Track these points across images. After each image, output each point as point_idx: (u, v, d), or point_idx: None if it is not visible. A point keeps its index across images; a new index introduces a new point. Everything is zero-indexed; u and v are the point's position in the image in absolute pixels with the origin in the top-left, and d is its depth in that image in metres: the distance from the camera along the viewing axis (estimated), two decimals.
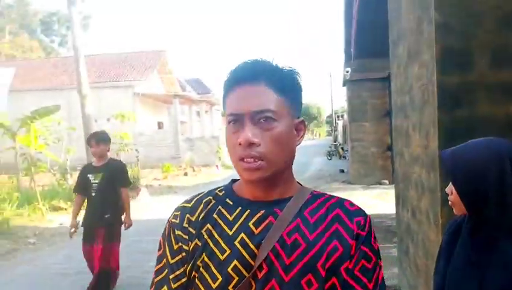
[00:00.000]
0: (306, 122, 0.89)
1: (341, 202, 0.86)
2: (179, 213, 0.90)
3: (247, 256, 0.80)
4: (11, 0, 38.62)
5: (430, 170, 2.51)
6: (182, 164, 20.01)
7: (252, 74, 0.84)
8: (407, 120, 3.15)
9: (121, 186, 3.92)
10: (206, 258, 0.83)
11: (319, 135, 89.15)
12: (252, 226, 0.82)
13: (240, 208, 0.85)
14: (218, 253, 0.82)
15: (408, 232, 3.30)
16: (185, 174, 17.85)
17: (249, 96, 0.82)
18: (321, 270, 0.78)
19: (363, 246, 0.81)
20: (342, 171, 15.71)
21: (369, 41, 9.99)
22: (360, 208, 0.86)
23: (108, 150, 3.88)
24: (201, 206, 0.89)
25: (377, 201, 9.05)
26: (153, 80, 24.29)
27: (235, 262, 0.80)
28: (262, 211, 0.83)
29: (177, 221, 0.89)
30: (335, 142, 32.93)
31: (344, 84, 12.48)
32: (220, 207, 0.87)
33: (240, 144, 0.80)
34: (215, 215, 0.86)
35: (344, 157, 23.07)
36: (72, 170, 14.08)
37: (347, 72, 11.28)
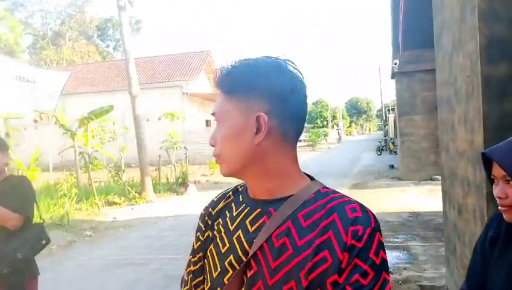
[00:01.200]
0: (266, 118, 0.78)
1: (343, 206, 0.77)
2: (206, 206, 0.95)
3: (240, 252, 0.80)
4: (71, 9, 41.22)
5: (476, 166, 2.37)
6: None
7: (216, 82, 0.84)
8: (452, 113, 3.00)
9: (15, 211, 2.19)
10: (212, 249, 0.87)
11: (369, 129, 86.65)
12: (248, 224, 0.82)
13: (244, 205, 0.86)
14: (220, 245, 0.85)
15: (455, 231, 3.14)
16: None
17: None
18: (303, 281, 0.73)
19: (358, 259, 0.72)
20: (392, 166, 15.17)
21: (417, 31, 9.54)
22: (364, 215, 0.75)
23: (6, 163, 2.35)
24: (222, 200, 0.92)
25: (428, 198, 8.67)
26: (200, 79, 24.90)
27: (231, 257, 0.82)
28: (259, 210, 0.82)
29: (203, 212, 0.94)
30: (385, 136, 31.81)
31: (393, 77, 12.02)
32: (233, 203, 0.89)
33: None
34: (227, 211, 0.89)
35: (395, 152, 22.24)
36: (127, 167, 14.89)
37: (395, 64, 10.85)
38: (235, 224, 0.84)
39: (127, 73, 10.42)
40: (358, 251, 0.72)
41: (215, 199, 0.95)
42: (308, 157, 23.31)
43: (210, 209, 0.93)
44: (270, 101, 0.78)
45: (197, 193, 11.61)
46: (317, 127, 45.33)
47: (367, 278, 0.71)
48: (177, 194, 11.43)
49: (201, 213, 0.95)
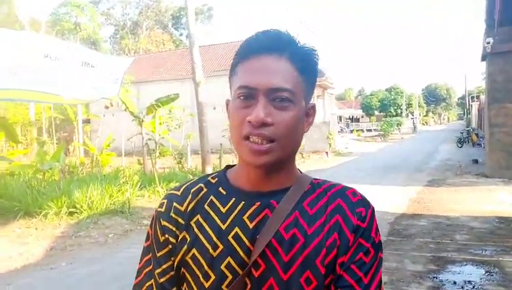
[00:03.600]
0: (315, 108, 0.81)
1: (343, 191, 0.78)
2: (165, 202, 0.82)
3: (241, 252, 0.74)
4: None
5: None
6: None
7: (276, 44, 0.74)
8: None
9: None
10: (197, 254, 0.76)
11: (448, 119, 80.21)
12: (246, 219, 0.76)
13: (234, 198, 0.78)
14: (210, 249, 0.76)
15: None
16: None
17: (268, 70, 0.73)
18: (320, 267, 0.72)
19: (362, 239, 0.74)
20: (476, 161, 13.51)
21: None
22: (363, 198, 0.78)
23: None
24: (191, 194, 0.81)
25: None
26: None
27: (229, 259, 0.74)
28: (258, 203, 0.76)
29: (163, 210, 0.81)
30: (467, 127, 28.94)
31: (483, 59, 10.47)
32: (212, 197, 0.80)
33: (249, 122, 0.72)
34: (206, 206, 0.79)
35: (478, 144, 20.03)
36: (194, 154, 15.08)
37: (488, 43, 9.37)
38: (227, 222, 0.76)
39: (191, 59, 10.30)
40: (363, 231, 0.74)
41: (177, 193, 0.82)
42: (378, 148, 21.95)
43: (177, 205, 0.80)
44: (313, 91, 0.80)
45: None
46: (391, 116, 42.73)
47: (368, 256, 0.73)
48: None
49: (159, 211, 0.81)
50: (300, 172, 0.83)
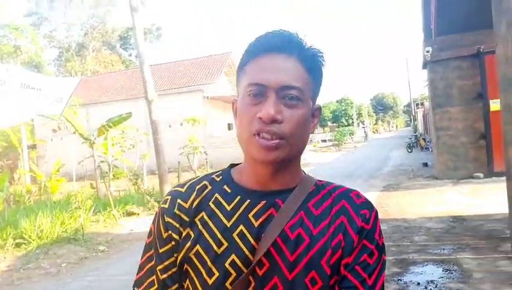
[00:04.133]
0: (321, 109, 0.83)
1: (347, 193, 0.80)
2: (169, 198, 0.82)
3: (245, 250, 0.74)
4: (93, 20, 41.93)
5: None
6: None
7: (285, 43, 0.75)
8: None
9: None
10: (200, 251, 0.76)
11: (396, 126, 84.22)
12: (251, 218, 0.76)
13: (240, 197, 0.79)
14: (214, 246, 0.75)
15: None
16: None
17: (279, 68, 0.74)
18: (326, 268, 0.73)
19: (366, 240, 0.76)
20: (426, 164, 14.18)
21: (453, 12, 8.67)
22: (367, 200, 0.80)
23: None
24: (195, 192, 0.81)
25: (471, 199, 7.80)
26: (221, 82, 24.57)
27: (233, 256, 0.74)
28: (264, 202, 0.77)
29: (167, 206, 0.81)
30: (415, 132, 30.49)
31: (424, 67, 11.11)
32: (216, 195, 0.80)
33: (259, 118, 0.72)
34: (211, 204, 0.79)
35: (426, 148, 21.11)
36: (150, 174, 14.59)
37: (427, 51, 9.96)
38: (233, 219, 0.77)
39: (142, 77, 10.06)
40: (367, 233, 0.76)
41: (182, 190, 0.82)
42: (334, 157, 22.48)
43: (181, 202, 0.80)
44: (319, 92, 0.83)
45: None
46: (343, 126, 44.17)
47: (373, 257, 0.75)
48: None
49: (163, 208, 0.81)
50: (304, 173, 0.84)
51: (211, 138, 21.73)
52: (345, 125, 45.24)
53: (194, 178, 0.85)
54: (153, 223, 0.84)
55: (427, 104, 33.80)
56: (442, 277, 3.95)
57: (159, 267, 0.80)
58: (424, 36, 10.87)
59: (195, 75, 24.12)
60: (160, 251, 0.80)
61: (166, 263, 0.79)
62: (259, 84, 0.73)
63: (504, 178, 9.69)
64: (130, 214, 9.24)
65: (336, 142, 30.80)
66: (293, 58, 0.75)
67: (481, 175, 9.85)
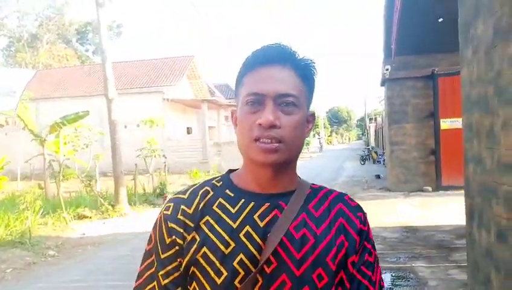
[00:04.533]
0: (315, 114, 0.89)
1: (342, 197, 0.87)
2: (172, 205, 0.84)
3: (253, 249, 0.77)
4: (50, 11, 39.87)
5: None
6: (210, 170, 19.66)
7: (280, 55, 0.81)
8: (491, 116, 2.47)
9: None
10: (208, 252, 0.78)
11: (349, 139, 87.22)
12: (257, 218, 0.79)
13: (244, 200, 0.82)
14: (222, 247, 0.78)
15: (489, 259, 2.59)
16: None
17: (275, 78, 0.80)
18: (331, 265, 0.78)
19: (366, 241, 0.83)
20: (378, 176, 14.80)
21: (413, 36, 9.20)
22: (358, 204, 0.87)
23: None
24: (198, 197, 0.84)
25: (421, 210, 8.22)
26: (182, 85, 24.22)
27: (241, 256, 0.77)
28: (268, 204, 0.81)
29: (170, 213, 0.83)
30: (367, 146, 31.74)
31: (383, 84, 11.63)
32: (220, 199, 0.83)
33: (259, 125, 0.77)
34: (215, 208, 0.82)
35: (378, 161, 22.05)
36: (102, 176, 13.98)
37: (387, 69, 10.46)
38: (238, 221, 0.80)
39: (103, 74, 9.68)
40: (366, 234, 0.83)
41: (184, 197, 0.85)
42: None
43: (185, 208, 0.82)
44: (312, 99, 0.88)
45: None
46: None
47: (372, 256, 0.83)
48: (155, 207, 10.65)
49: (166, 214, 0.83)
50: (299, 177, 0.88)
51: (168, 141, 21.28)
52: None
53: (194, 184, 0.88)
54: (154, 229, 0.85)
55: (379, 119, 35.34)
56: (400, 285, 4.12)
57: (161, 272, 0.81)
58: (384, 55, 11.41)
59: (155, 76, 23.59)
60: (163, 256, 0.81)
61: (169, 268, 0.81)
62: (257, 94, 0.78)
63: (450, 192, 10.27)
64: (81, 217, 8.81)
65: None
66: (287, 68, 0.80)
67: (430, 189, 10.43)
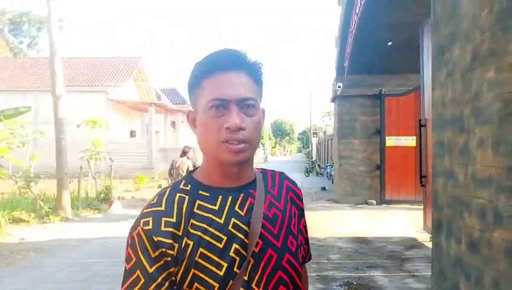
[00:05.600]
0: (265, 112, 0.99)
1: (283, 175, 1.05)
2: (150, 219, 0.86)
3: (242, 237, 0.86)
4: None
5: None
6: (155, 175, 19.06)
7: (235, 61, 0.88)
8: (466, 135, 2.68)
9: None
10: (205, 252, 0.84)
11: (291, 151, 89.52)
12: (238, 210, 0.89)
13: (221, 196, 0.90)
14: (216, 243, 0.85)
15: (459, 268, 2.79)
16: (159, 186, 16.94)
17: (234, 84, 0.87)
18: (294, 231, 0.96)
19: (303, 205, 1.06)
20: (324, 188, 15.33)
21: (365, 56, 9.74)
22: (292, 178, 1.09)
23: None
24: (176, 205, 0.88)
25: (368, 222, 8.64)
26: (128, 86, 23.34)
27: (235, 245, 0.85)
28: (242, 195, 0.91)
29: (152, 227, 0.84)
30: (311, 159, 32.77)
31: (333, 100, 12.14)
32: (198, 201, 0.89)
33: (227, 128, 0.85)
34: (196, 210, 0.88)
35: (321, 174, 22.85)
36: (36, 177, 12.93)
37: (339, 87, 10.95)
38: (223, 216, 0.87)
39: (50, 69, 9.07)
40: (302, 201, 1.06)
41: (161, 208, 0.87)
42: None
43: (168, 219, 0.85)
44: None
45: (122, 210, 10.39)
46: None
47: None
48: (99, 212, 10.08)
49: (147, 229, 0.84)
50: None
51: (111, 144, 20.31)
52: None
53: (162, 195, 0.91)
54: (131, 247, 0.85)
55: (321, 134, 36.70)
56: None
57: (151, 287, 0.82)
58: (336, 73, 11.92)
59: (100, 75, 22.51)
60: (151, 270, 0.83)
61: (159, 280, 0.83)
62: (221, 99, 0.86)
63: (392, 205, 10.86)
64: (17, 221, 8.08)
65: None
66: (243, 73, 0.89)
67: (374, 202, 11.00)
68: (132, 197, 13.66)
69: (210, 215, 0.87)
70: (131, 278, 0.84)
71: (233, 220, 0.87)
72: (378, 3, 7.75)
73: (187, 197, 0.89)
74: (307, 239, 1.07)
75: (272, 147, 70.44)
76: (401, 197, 10.72)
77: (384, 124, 10.80)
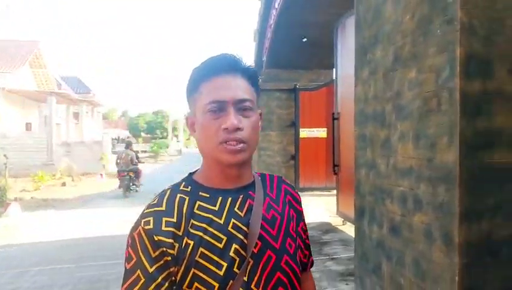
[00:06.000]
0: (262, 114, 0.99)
1: (281, 179, 1.07)
2: (151, 218, 0.87)
3: (242, 237, 0.88)
4: None
5: (437, 184, 2.28)
6: (57, 173, 17.47)
7: (231, 65, 0.91)
8: (387, 129, 2.94)
9: None
10: (205, 251, 0.85)
11: None
12: (237, 211, 0.90)
13: (221, 197, 0.91)
14: (217, 243, 0.86)
15: (381, 250, 3.07)
16: (63, 184, 15.58)
17: (231, 86, 0.89)
18: (293, 233, 0.97)
19: (302, 209, 1.06)
20: None
21: (282, 51, 10.05)
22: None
23: None
24: (176, 205, 0.89)
25: None
26: (23, 74, 20.92)
27: (235, 246, 0.87)
28: (241, 196, 0.92)
29: (152, 227, 0.86)
30: None
31: None
32: (198, 202, 0.90)
33: (225, 129, 0.86)
34: (197, 211, 0.89)
35: None
36: None
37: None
38: (223, 217, 0.89)
39: None
40: (301, 204, 1.08)
41: (162, 208, 0.89)
42: (154, 168, 22.07)
43: (168, 219, 0.87)
44: None
45: (21, 214, 9.34)
46: (157, 138, 43.89)
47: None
48: None
49: (148, 229, 0.86)
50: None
51: (4, 138, 18.06)
52: (160, 138, 45.08)
53: (162, 196, 0.92)
54: (132, 247, 0.86)
55: None
56: None
57: (151, 287, 0.83)
58: (255, 66, 12.10)
59: None
60: (151, 270, 0.84)
61: (159, 280, 0.84)
62: (219, 101, 0.88)
63: (306, 193, 11.48)
64: None
65: (153, 154, 30.34)
66: (239, 76, 0.92)
67: None
68: (32, 197, 12.34)
69: (210, 216, 0.88)
70: (132, 278, 0.85)
71: (232, 220, 0.88)
72: (295, 1, 8.04)
73: (187, 198, 0.90)
74: (307, 245, 1.08)
75: (187, 139, 69.29)
76: (313, 184, 11.38)
77: (299, 116, 11.33)
